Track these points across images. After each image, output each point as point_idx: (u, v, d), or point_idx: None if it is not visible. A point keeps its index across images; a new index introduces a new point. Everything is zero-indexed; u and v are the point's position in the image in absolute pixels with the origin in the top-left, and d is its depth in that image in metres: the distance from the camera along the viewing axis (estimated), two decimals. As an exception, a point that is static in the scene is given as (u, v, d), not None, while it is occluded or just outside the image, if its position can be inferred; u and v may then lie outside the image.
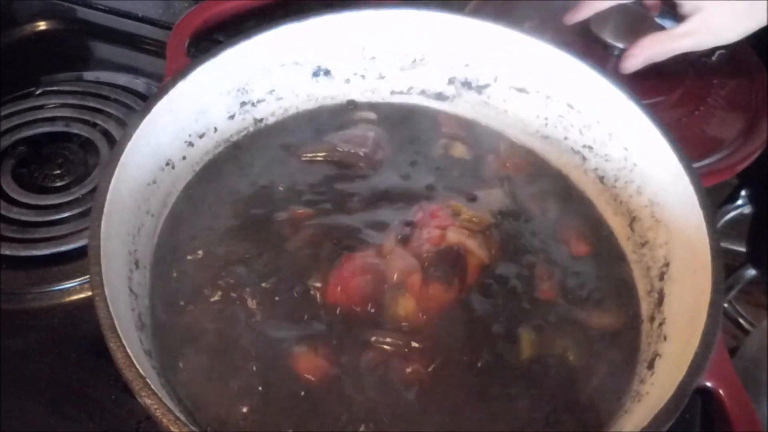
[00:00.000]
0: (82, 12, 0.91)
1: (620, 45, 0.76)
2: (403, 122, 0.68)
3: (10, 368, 0.58)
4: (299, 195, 0.60)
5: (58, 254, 0.65)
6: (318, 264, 0.54)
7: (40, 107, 0.78)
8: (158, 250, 0.55)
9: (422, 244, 0.54)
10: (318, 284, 0.53)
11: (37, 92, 0.80)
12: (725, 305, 1.20)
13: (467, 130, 0.68)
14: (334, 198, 0.60)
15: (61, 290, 0.63)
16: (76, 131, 0.76)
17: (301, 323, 0.51)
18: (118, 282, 0.47)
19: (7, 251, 0.65)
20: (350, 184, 0.61)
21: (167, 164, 0.57)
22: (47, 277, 0.63)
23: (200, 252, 0.55)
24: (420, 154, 0.65)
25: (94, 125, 0.76)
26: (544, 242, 0.59)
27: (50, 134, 0.75)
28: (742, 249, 1.08)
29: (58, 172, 0.72)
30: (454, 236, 0.55)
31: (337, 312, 0.52)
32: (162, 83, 0.56)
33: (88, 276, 0.63)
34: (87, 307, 0.62)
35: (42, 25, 0.90)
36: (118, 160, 0.50)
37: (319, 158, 0.63)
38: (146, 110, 0.54)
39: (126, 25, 0.89)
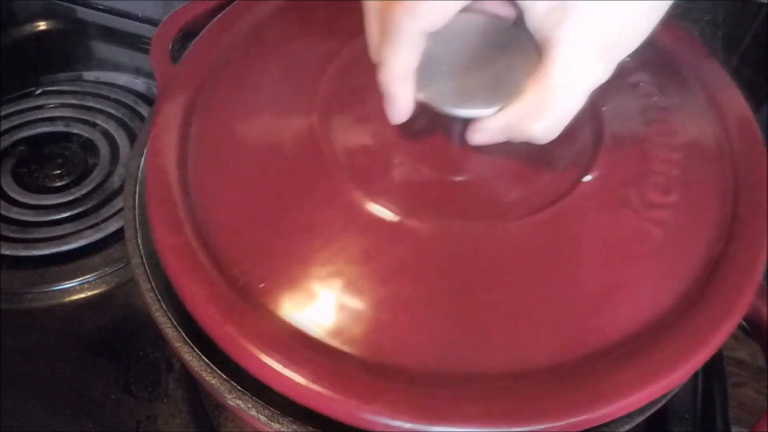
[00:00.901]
0: (82, 12, 0.90)
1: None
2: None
3: (10, 368, 0.58)
4: None
5: (58, 254, 0.65)
6: None
7: (40, 107, 0.78)
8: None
9: None
10: None
11: (37, 92, 0.80)
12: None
13: None
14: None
15: (61, 290, 0.63)
16: (76, 131, 0.76)
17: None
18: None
19: (7, 251, 0.65)
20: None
21: None
22: (47, 277, 0.63)
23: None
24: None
25: (94, 125, 0.76)
26: None
27: (50, 134, 0.76)
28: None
29: (58, 172, 0.72)
30: None
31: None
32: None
33: (88, 276, 0.64)
34: (87, 306, 0.63)
35: (42, 25, 0.90)
36: (136, 179, 0.50)
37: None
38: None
39: (126, 25, 0.89)
